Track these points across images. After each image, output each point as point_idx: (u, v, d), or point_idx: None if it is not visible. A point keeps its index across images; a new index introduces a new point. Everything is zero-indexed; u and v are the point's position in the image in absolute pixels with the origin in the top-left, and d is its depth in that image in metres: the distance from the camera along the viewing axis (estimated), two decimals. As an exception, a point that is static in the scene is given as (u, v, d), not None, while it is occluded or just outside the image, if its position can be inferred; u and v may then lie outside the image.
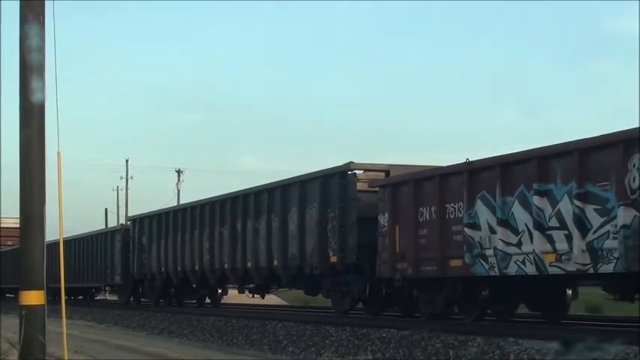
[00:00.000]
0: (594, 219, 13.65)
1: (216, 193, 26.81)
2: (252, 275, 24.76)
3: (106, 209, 70.94)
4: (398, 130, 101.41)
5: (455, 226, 16.59)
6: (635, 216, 12.94)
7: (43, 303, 10.23)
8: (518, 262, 15.08)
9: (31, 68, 10.25)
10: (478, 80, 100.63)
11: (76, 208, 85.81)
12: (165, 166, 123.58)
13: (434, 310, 17.91)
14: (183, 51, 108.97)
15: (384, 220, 18.63)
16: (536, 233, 14.63)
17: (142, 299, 34.98)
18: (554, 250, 14.33)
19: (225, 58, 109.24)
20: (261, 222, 23.73)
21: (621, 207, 13.10)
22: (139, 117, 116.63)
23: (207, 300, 31.30)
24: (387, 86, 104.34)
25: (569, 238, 14.03)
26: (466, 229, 16.22)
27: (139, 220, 33.43)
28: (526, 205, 14.93)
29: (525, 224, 14.92)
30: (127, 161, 74.03)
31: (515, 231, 15.15)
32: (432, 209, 17.20)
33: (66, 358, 11.56)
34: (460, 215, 16.45)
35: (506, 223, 15.33)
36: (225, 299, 32.32)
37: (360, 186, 19.90)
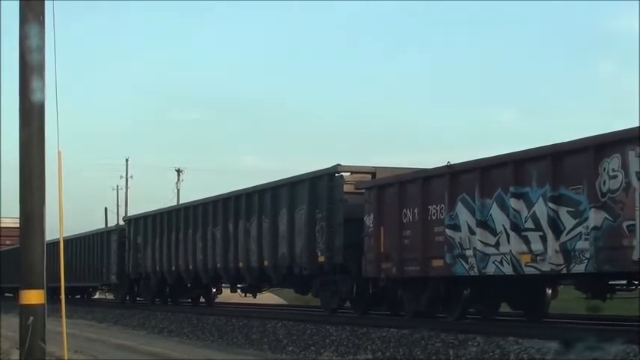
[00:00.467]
0: (567, 221, 14.13)
1: (216, 192, 27.23)
2: (243, 275, 25.25)
3: (105, 208, 71.28)
4: (398, 130, 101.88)
5: (437, 227, 17.07)
6: (605, 218, 13.43)
7: (43, 302, 10.26)
8: (496, 262, 15.56)
9: (31, 68, 10.26)
10: (478, 80, 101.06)
11: (76, 208, 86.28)
12: (165, 166, 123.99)
13: (417, 308, 18.42)
14: (183, 51, 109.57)
15: (369, 221, 19.12)
16: (512, 234, 15.11)
17: (138, 298, 35.46)
18: (530, 251, 14.82)
19: (225, 57, 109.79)
20: (252, 223, 24.22)
21: (592, 209, 13.59)
22: (139, 116, 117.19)
23: (202, 299, 31.84)
24: (386, 86, 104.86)
25: (543, 239, 14.51)
26: (447, 230, 16.70)
27: (134, 221, 33.95)
28: (503, 207, 15.41)
29: (503, 226, 15.40)
30: (126, 160, 74.40)
31: (494, 232, 15.63)
32: (415, 211, 17.68)
33: (66, 357, 11.64)
34: (442, 217, 16.93)
35: (485, 224, 15.81)
36: (225, 299, 32.60)
37: (347, 188, 20.39)
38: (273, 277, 23.48)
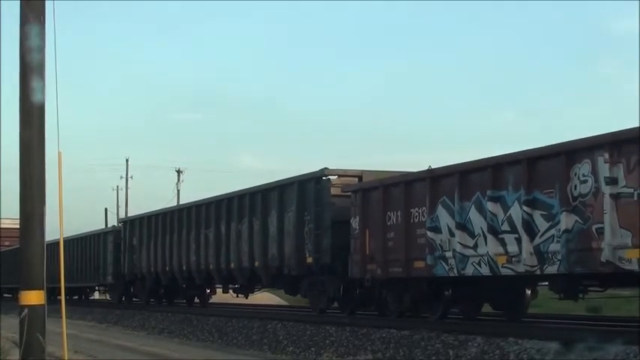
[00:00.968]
0: (541, 224, 14.64)
1: (216, 192, 27.65)
2: (235, 276, 25.77)
3: (105, 209, 71.46)
4: (398, 130, 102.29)
5: (419, 230, 17.58)
6: (575, 221, 13.94)
7: (43, 303, 10.24)
8: (474, 264, 16.07)
9: (31, 68, 10.26)
10: (478, 80, 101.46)
11: (76, 208, 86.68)
12: (165, 166, 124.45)
13: (402, 308, 18.93)
14: (183, 51, 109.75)
15: (355, 223, 19.63)
16: (490, 237, 15.62)
17: (134, 299, 36.00)
18: (506, 253, 15.32)
19: (225, 57, 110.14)
20: (243, 224, 24.74)
21: (564, 213, 14.10)
22: (139, 117, 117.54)
23: (197, 300, 32.33)
24: (386, 86, 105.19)
25: (518, 241, 15.01)
26: (428, 233, 17.22)
27: (129, 222, 34.53)
28: (481, 210, 15.92)
29: (481, 228, 15.90)
30: (127, 161, 74.34)
31: (472, 234, 16.15)
32: (399, 213, 18.19)
33: (66, 358, 11.65)
34: (423, 219, 17.44)
35: (464, 227, 16.32)
36: (224, 299, 33.00)
37: (334, 191, 20.93)
38: (264, 277, 24.01)
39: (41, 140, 10.33)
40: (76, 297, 44.76)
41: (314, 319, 20.26)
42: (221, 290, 29.49)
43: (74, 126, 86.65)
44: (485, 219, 15.78)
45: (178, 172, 72.34)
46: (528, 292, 18.10)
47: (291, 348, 17.32)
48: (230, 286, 27.96)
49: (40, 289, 10.22)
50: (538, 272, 14.74)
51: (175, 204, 51.06)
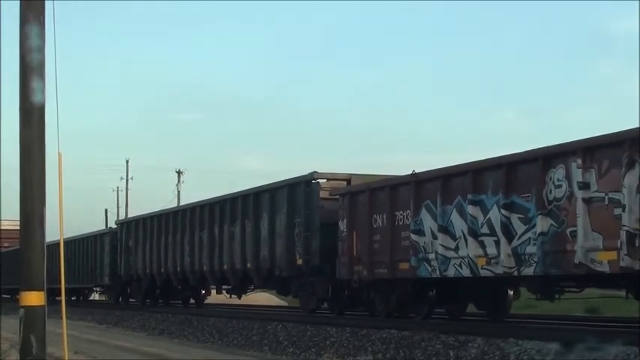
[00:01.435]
0: (518, 227, 15.15)
1: (216, 193, 28.01)
2: (228, 277, 26.28)
3: (106, 210, 71.77)
4: (398, 131, 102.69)
5: (403, 232, 18.09)
6: (551, 224, 14.45)
7: (43, 304, 10.23)
8: (455, 265, 16.58)
9: (31, 69, 10.25)
10: (478, 80, 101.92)
11: (76, 209, 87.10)
12: (165, 167, 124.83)
13: (388, 309, 19.44)
14: (183, 51, 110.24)
15: (343, 225, 20.14)
16: (470, 239, 16.13)
17: (130, 299, 36.53)
18: (485, 255, 15.83)
19: (225, 57, 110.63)
20: (236, 227, 25.25)
21: (540, 216, 14.61)
22: (139, 117, 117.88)
23: (192, 301, 32.83)
24: (387, 86, 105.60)
25: (497, 243, 15.52)
26: (412, 235, 17.73)
27: (126, 224, 35.10)
28: (462, 213, 16.43)
29: (462, 231, 16.41)
30: (127, 161, 74.52)
31: (453, 237, 16.65)
32: (384, 216, 18.69)
33: (66, 358, 11.63)
34: (407, 222, 17.95)
35: (446, 229, 16.83)
36: (223, 300, 33.04)
37: (323, 194, 21.44)
38: (255, 278, 24.53)
39: (41, 140, 10.31)
40: (74, 298, 45.31)
41: (314, 319, 20.40)
42: (215, 291, 30.02)
43: (74, 126, 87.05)
44: (466, 222, 16.28)
45: (178, 172, 72.68)
46: (511, 292, 18.59)
47: (291, 349, 17.46)
48: (224, 287, 28.52)
49: (40, 290, 10.24)
50: (516, 273, 15.24)
51: (175, 205, 51.49)
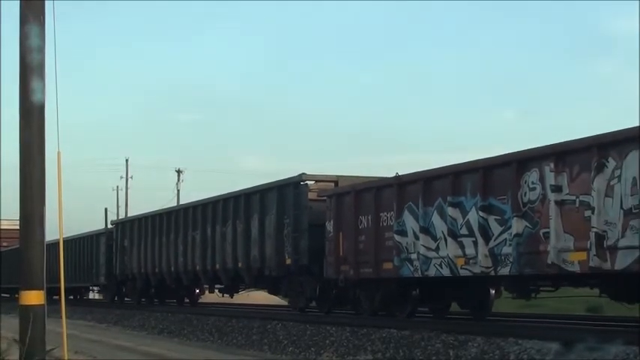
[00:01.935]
0: (495, 228, 15.67)
1: (215, 193, 28.31)
2: (220, 276, 26.82)
3: (105, 209, 71.57)
4: (398, 131, 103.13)
5: (387, 233, 18.60)
6: (525, 226, 14.96)
7: (42, 303, 10.25)
8: (436, 265, 17.10)
9: (31, 69, 10.29)
10: (478, 80, 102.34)
11: (75, 208, 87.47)
12: (165, 166, 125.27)
13: (373, 307, 19.97)
14: (183, 51, 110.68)
15: (330, 226, 20.65)
16: (450, 240, 16.63)
17: (126, 299, 37.06)
18: (464, 255, 16.34)
19: (225, 57, 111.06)
20: (227, 227, 25.79)
21: (515, 218, 15.12)
22: (139, 117, 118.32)
23: (187, 300, 33.38)
24: (387, 86, 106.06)
25: (475, 244, 16.02)
26: (395, 236, 18.24)
27: (121, 224, 35.67)
28: (442, 214, 16.94)
29: (442, 232, 16.92)
30: (126, 161, 74.67)
31: (434, 237, 17.17)
32: (369, 217, 19.21)
33: (66, 358, 11.60)
34: (391, 223, 18.46)
35: (427, 230, 17.35)
36: (226, 300, 33.52)
37: (311, 195, 21.97)
38: (246, 278, 25.06)
39: (41, 140, 10.38)
40: (72, 297, 45.80)
41: (314, 319, 20.51)
42: (207, 290, 30.56)
43: (74, 126, 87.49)
44: (446, 223, 16.78)
45: (178, 172, 73.05)
46: (492, 291, 19.10)
47: (291, 348, 17.60)
48: (216, 286, 29.05)
49: (40, 289, 10.29)
50: (492, 273, 15.75)
51: (175, 204, 51.98)
